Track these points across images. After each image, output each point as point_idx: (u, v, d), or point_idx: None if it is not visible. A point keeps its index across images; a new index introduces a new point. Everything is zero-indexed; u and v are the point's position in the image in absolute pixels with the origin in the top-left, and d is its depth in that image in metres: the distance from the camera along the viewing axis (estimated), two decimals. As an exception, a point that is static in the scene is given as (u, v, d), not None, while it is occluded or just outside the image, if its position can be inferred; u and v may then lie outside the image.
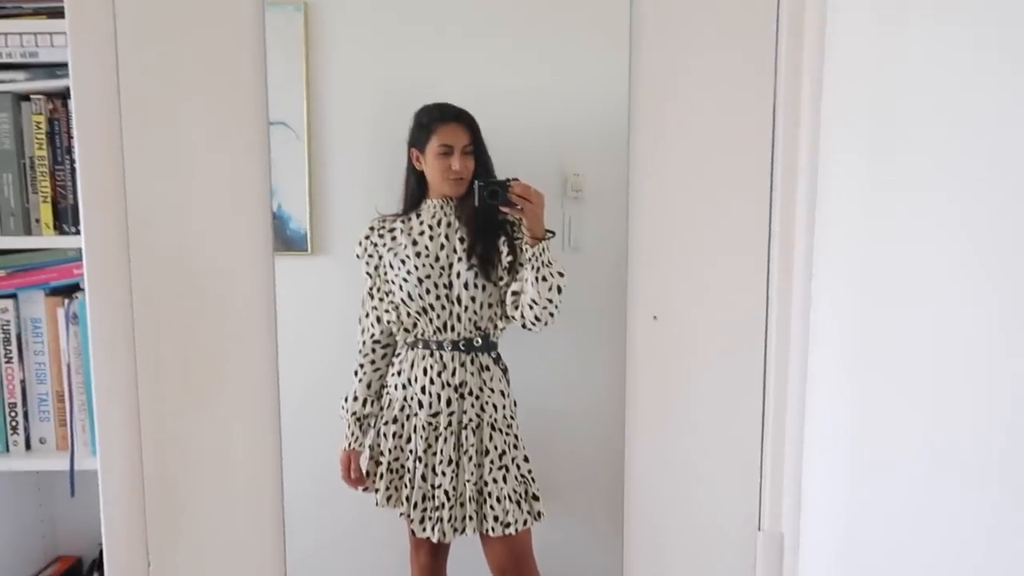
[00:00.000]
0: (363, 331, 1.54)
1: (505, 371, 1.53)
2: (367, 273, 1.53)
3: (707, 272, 1.50)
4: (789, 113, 1.43)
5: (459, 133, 1.45)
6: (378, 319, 1.53)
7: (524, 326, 1.46)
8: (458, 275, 1.48)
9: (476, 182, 1.42)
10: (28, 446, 1.57)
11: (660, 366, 1.52)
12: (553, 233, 1.44)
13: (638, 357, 1.52)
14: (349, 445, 1.54)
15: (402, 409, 1.52)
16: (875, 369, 1.19)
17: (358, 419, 1.54)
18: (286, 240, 1.51)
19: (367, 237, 1.52)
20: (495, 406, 1.50)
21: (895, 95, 1.13)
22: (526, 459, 1.52)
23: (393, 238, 1.51)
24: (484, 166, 1.47)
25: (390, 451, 1.53)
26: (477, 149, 1.47)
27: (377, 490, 1.53)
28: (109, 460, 1.49)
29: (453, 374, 1.49)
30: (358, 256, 1.53)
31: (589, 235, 1.51)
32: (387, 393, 1.54)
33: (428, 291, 1.48)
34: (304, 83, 1.48)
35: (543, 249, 1.42)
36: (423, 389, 1.49)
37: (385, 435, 1.53)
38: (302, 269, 1.52)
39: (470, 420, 1.49)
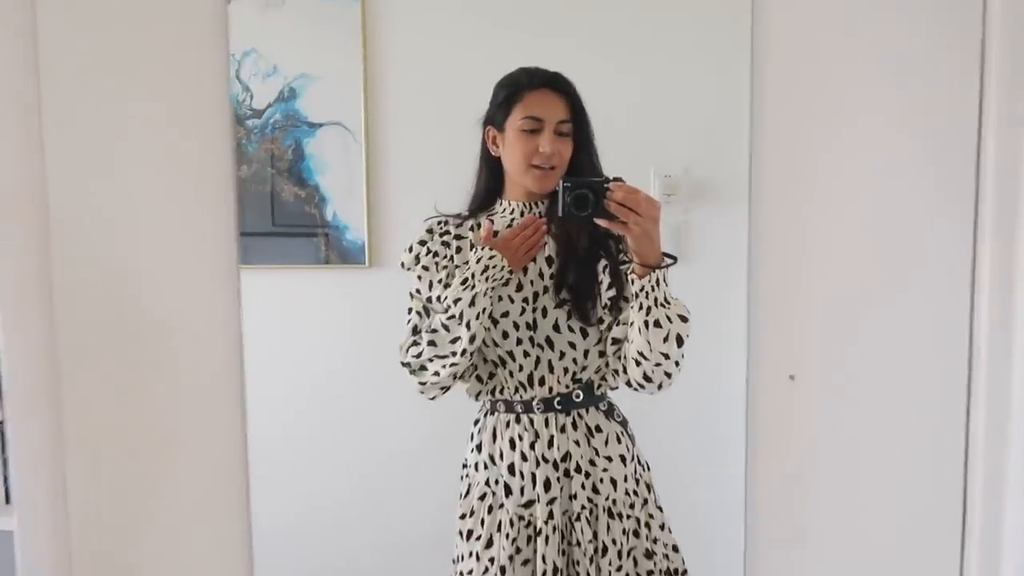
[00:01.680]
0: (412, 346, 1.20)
1: (624, 425, 1.18)
2: (417, 290, 1.19)
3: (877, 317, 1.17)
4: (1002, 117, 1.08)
5: (553, 103, 1.10)
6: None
7: (629, 384, 1.12)
8: (544, 312, 1.12)
9: (561, 181, 1.04)
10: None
11: (796, 440, 1.21)
12: (674, 259, 1.07)
13: (769, 429, 1.21)
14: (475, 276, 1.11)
15: (482, 498, 1.15)
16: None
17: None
18: (342, 252, 1.42)
19: (423, 243, 1.18)
20: (613, 482, 1.13)
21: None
22: (663, 527, 1.18)
23: (459, 250, 1.17)
24: (587, 155, 1.12)
25: (462, 558, 1.17)
26: (579, 130, 1.11)
27: None
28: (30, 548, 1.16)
29: (551, 444, 1.12)
30: (406, 267, 1.20)
31: (692, 245, 1.31)
32: (465, 476, 1.19)
33: (506, 334, 1.13)
34: (362, 80, 1.38)
35: (657, 282, 1.03)
36: (511, 468, 1.13)
37: (460, 533, 1.17)
38: (358, 284, 1.44)
39: (581, 507, 1.12)
